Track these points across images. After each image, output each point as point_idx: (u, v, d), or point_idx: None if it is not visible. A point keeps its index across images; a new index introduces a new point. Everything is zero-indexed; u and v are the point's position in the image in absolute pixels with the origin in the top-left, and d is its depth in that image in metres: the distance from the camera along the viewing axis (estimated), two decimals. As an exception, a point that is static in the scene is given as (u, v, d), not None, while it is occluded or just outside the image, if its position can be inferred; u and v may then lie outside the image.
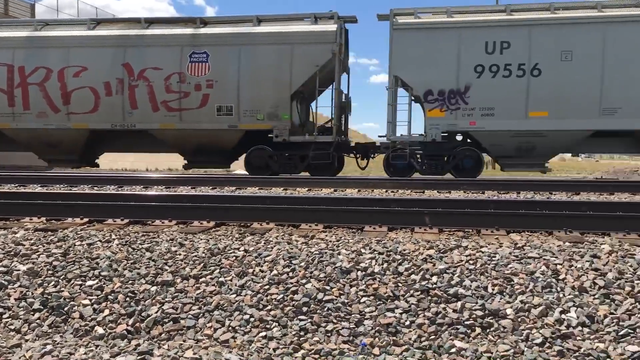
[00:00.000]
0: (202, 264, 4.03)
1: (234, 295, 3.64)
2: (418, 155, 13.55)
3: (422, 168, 13.45)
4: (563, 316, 3.28)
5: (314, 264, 3.95)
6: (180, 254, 4.21)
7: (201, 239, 4.59)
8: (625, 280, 3.54)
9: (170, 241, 4.54)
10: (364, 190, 9.89)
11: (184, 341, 3.29)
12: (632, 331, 3.12)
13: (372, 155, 14.58)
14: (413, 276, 3.75)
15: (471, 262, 3.90)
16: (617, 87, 12.40)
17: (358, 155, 14.74)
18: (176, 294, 3.70)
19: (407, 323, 3.34)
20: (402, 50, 13.30)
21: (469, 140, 13.54)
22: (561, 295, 3.46)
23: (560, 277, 3.65)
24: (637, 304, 3.33)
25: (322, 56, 13.67)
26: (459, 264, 3.87)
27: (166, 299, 3.65)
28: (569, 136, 12.72)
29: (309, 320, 3.40)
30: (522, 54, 12.76)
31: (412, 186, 10.06)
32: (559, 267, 3.76)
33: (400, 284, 3.69)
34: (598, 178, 16.20)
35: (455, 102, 13.06)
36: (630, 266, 3.72)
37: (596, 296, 3.43)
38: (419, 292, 3.58)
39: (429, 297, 3.54)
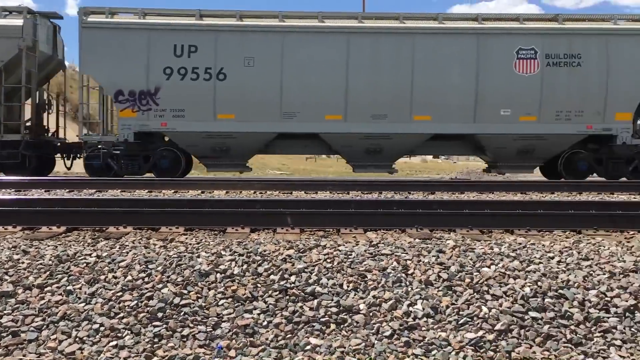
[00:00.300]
0: (48, 272, 3.76)
1: (83, 304, 3.44)
2: (115, 155, 13.37)
3: (120, 168, 13.33)
4: (410, 309, 3.48)
5: (171, 268, 3.84)
6: (23, 262, 3.89)
7: (48, 246, 4.28)
8: (465, 273, 3.84)
9: (13, 249, 4.19)
10: (232, 191, 9.83)
11: (24, 355, 3.04)
12: (470, 320, 3.39)
13: (77, 155, 14.37)
14: (272, 276, 3.79)
15: (329, 260, 4.01)
16: (294, 93, 13.15)
17: (64, 155, 14.55)
18: (17, 306, 3.42)
19: (265, 323, 3.36)
20: (92, 49, 13.21)
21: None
22: (409, 289, 3.67)
23: (410, 271, 3.87)
24: (475, 294, 3.63)
25: (7, 52, 13.31)
26: (317, 263, 3.96)
27: (5, 312, 3.36)
28: (256, 137, 13.33)
29: (164, 326, 3.30)
30: (209, 59, 13.16)
31: (280, 187, 10.16)
32: (408, 262, 3.99)
33: (259, 285, 3.70)
34: (453, 178, 17.45)
35: (146, 103, 13.24)
36: (471, 259, 4.04)
37: (440, 288, 3.68)
38: (278, 292, 3.62)
39: (287, 297, 3.59)
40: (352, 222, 5.06)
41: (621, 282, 3.70)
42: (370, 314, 3.45)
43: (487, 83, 13.21)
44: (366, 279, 3.78)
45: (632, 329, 3.31)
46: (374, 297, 3.59)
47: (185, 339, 3.22)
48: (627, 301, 3.51)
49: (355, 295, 3.62)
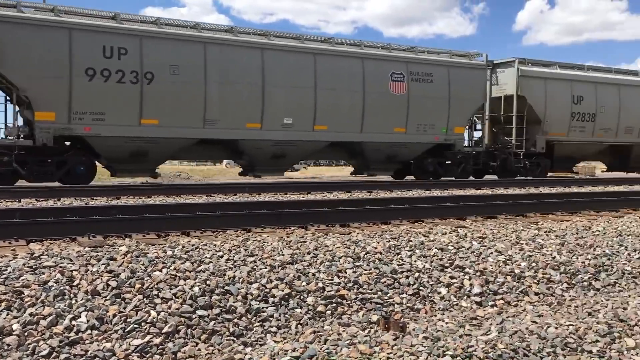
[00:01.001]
0: None
1: None
2: None
3: None
4: (73, 322, 3.25)
5: None
6: None
7: None
8: (136, 279, 3.76)
9: None
10: None
11: None
12: (137, 326, 3.33)
13: None
14: None
15: (-24, 279, 3.50)
16: None
17: None
18: None
19: None
20: None
21: None
22: (74, 301, 3.43)
23: (75, 283, 3.62)
24: (145, 299, 3.58)
25: None
26: (-41, 284, 3.41)
27: None
28: None
29: None
30: None
31: None
32: (74, 273, 3.73)
33: None
34: (143, 182, 17.13)
35: None
36: (142, 264, 3.99)
37: (108, 297, 3.53)
38: None
39: None
40: (12, 234, 4.51)
41: (279, 274, 4.09)
42: (26, 333, 3.12)
43: None
44: (23, 295, 3.40)
45: (286, 315, 3.69)
46: (30, 314, 3.25)
47: None
48: (283, 290, 3.90)
49: (8, 315, 3.23)
